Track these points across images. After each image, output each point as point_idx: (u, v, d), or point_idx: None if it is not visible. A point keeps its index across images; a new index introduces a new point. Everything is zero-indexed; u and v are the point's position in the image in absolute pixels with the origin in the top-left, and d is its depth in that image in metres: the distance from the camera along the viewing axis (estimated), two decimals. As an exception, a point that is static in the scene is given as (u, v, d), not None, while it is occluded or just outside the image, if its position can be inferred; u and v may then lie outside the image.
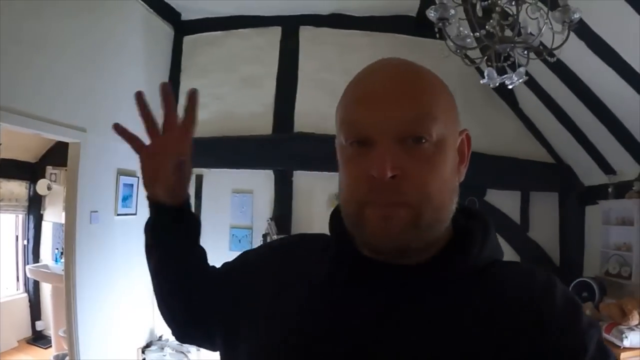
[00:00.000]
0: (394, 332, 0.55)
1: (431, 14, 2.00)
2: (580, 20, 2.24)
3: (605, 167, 3.92)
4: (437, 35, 2.24)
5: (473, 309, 0.54)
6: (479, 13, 2.03)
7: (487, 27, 2.03)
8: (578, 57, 2.89)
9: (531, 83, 3.69)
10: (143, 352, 4.04)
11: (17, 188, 4.93)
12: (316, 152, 4.01)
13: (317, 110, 3.99)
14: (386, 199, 0.54)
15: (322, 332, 0.58)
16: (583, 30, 2.73)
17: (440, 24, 2.15)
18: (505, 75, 2.29)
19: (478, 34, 2.07)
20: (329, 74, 4.05)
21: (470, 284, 0.57)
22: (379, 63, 0.60)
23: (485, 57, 2.21)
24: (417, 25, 4.08)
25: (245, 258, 0.80)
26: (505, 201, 4.08)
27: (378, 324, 0.55)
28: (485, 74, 2.32)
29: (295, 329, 0.60)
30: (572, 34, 2.09)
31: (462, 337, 0.52)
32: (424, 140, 0.54)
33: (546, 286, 0.57)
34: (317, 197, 4.05)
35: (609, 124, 3.46)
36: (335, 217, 0.67)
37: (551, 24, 2.01)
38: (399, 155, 0.53)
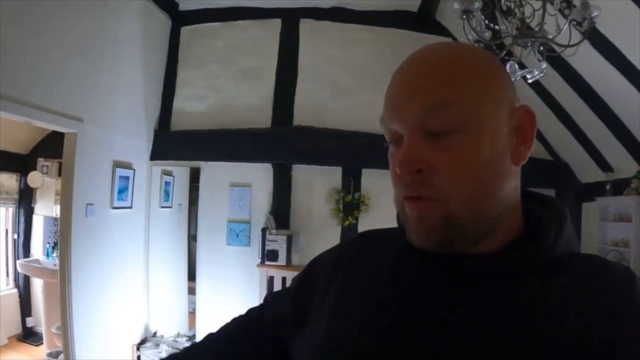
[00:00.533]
0: (460, 322, 0.53)
1: (456, 5, 1.98)
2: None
3: (603, 164, 3.95)
4: (446, 28, 2.22)
5: (542, 302, 0.52)
6: (504, 7, 2.02)
7: (509, 19, 2.03)
8: (580, 55, 2.89)
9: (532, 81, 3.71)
10: (138, 349, 3.98)
11: (8, 180, 4.83)
12: (315, 146, 4.01)
13: (317, 103, 3.97)
14: (412, 192, 0.54)
15: (390, 323, 0.56)
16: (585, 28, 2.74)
17: (465, 17, 2.13)
18: (526, 70, 2.29)
19: (498, 27, 2.07)
20: (328, 68, 4.03)
21: (542, 277, 0.54)
22: (407, 58, 0.59)
23: (505, 52, 2.21)
24: (418, 21, 4.09)
25: (311, 267, 0.78)
26: (503, 197, 4.08)
27: (445, 314, 0.54)
28: (507, 67, 2.31)
29: (362, 319, 0.59)
30: (576, 32, 2.10)
31: (526, 330, 0.50)
32: (444, 131, 0.53)
33: (625, 282, 0.53)
34: (316, 191, 4.02)
35: (609, 121, 3.48)
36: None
37: (568, 21, 2.02)
38: (423, 149, 0.53)
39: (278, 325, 0.74)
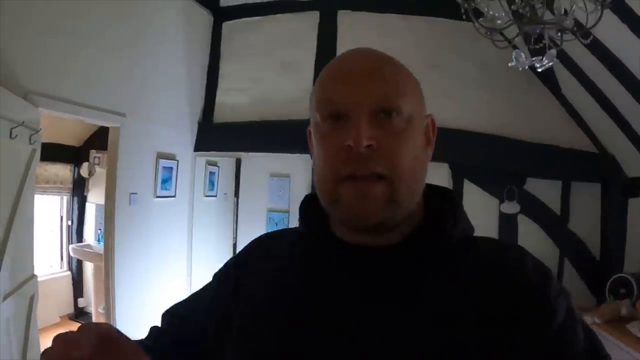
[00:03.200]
0: (373, 314, 0.56)
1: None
2: (623, 3, 2.13)
3: (651, 157, 3.78)
4: (464, 17, 2.20)
5: (449, 284, 0.56)
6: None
7: (512, 7, 1.98)
8: (622, 41, 2.77)
9: (574, 68, 3.59)
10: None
11: (62, 171, 5.13)
12: (353, 137, 4.01)
13: (355, 94, 3.98)
14: (362, 169, 0.56)
15: (302, 321, 0.59)
16: (626, 14, 2.61)
17: (466, 5, 2.11)
18: (535, 58, 2.20)
19: (504, 13, 2.02)
20: (367, 59, 4.02)
21: (445, 261, 0.59)
22: (350, 51, 0.64)
23: (515, 39, 2.16)
24: (456, 8, 4.00)
25: (211, 283, 0.80)
26: (545, 191, 3.97)
27: (357, 307, 0.57)
28: (513, 56, 2.26)
29: (274, 323, 0.61)
30: (615, 18, 1.99)
31: (441, 313, 0.54)
32: (394, 115, 0.57)
33: (516, 255, 0.60)
34: (353, 182, 4.01)
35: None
36: (306, 206, 0.71)
37: (585, 4, 1.94)
38: (373, 127, 0.56)
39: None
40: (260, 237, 0.80)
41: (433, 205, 0.65)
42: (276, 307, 0.63)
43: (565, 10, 1.92)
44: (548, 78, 4.00)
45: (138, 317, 3.56)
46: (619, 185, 4.20)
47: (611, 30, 2.11)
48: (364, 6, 4.08)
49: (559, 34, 2.03)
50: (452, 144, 3.25)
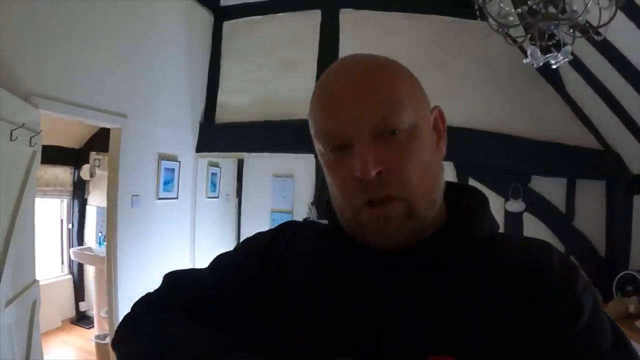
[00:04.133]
0: (406, 313, 0.56)
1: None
2: (631, 0, 2.13)
3: (656, 154, 3.76)
4: (478, 14, 2.18)
5: (476, 281, 0.57)
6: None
7: (529, 3, 1.96)
8: (628, 38, 2.76)
9: (578, 66, 3.57)
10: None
11: (62, 173, 5.09)
12: (356, 136, 4.00)
13: (358, 94, 3.95)
14: (378, 194, 0.55)
15: (337, 321, 0.58)
16: (634, 11, 2.61)
17: (481, 1, 2.09)
18: (550, 55, 2.20)
19: (520, 10, 2.00)
20: (369, 58, 4.00)
21: (472, 258, 0.59)
22: (337, 66, 0.61)
23: (529, 36, 2.14)
24: (460, 6, 3.99)
25: (236, 260, 0.76)
26: (550, 188, 3.96)
27: (390, 308, 0.57)
28: (529, 52, 2.24)
29: (308, 320, 0.60)
30: (622, 15, 1.99)
31: (468, 308, 0.54)
32: (397, 132, 0.56)
33: (542, 251, 0.59)
34: (357, 182, 3.99)
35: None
36: (331, 208, 0.67)
37: (598, 1, 1.92)
38: (378, 151, 0.55)
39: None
40: (288, 222, 0.79)
41: (458, 202, 0.65)
42: (312, 291, 0.62)
43: (576, 9, 1.91)
44: (552, 76, 3.98)
45: None
46: (624, 183, 4.18)
47: (617, 28, 2.10)
48: (366, 4, 4.05)
49: (571, 30, 2.01)
50: (457, 143, 3.17)
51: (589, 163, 4.01)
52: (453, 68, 3.67)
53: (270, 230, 0.77)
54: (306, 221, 0.79)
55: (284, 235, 0.74)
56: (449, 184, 0.66)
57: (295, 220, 0.80)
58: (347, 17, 4.09)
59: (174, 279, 0.79)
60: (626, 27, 2.72)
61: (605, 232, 4.10)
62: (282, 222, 0.78)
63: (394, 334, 0.55)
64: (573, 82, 3.92)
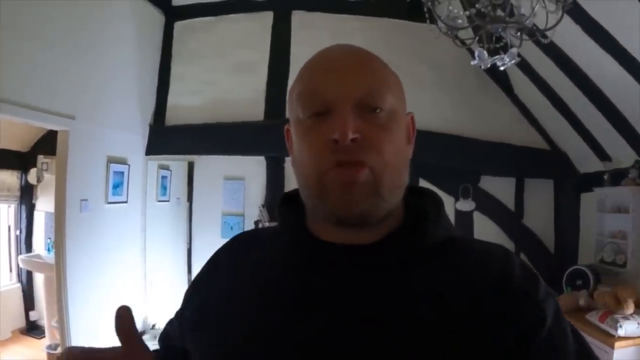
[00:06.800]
0: (354, 313, 0.55)
1: (423, -8, 1.96)
2: (577, 4, 2.19)
3: (601, 153, 3.88)
4: (427, 16, 2.20)
5: (431, 285, 0.55)
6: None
7: (477, 6, 1.99)
8: (574, 42, 2.85)
9: (527, 68, 3.66)
10: (136, 341, 4.01)
11: (9, 178, 4.89)
12: (308, 138, 3.99)
13: (310, 95, 3.94)
14: (349, 157, 0.54)
15: (281, 321, 0.57)
16: (579, 15, 2.69)
17: (430, 4, 2.11)
18: (497, 57, 2.25)
19: (468, 13, 2.03)
20: (321, 60, 3.99)
21: (427, 261, 0.58)
22: (334, 45, 0.63)
23: (477, 39, 2.17)
24: (410, 10, 4.04)
25: (190, 288, 0.77)
26: (499, 188, 4.05)
27: (338, 306, 0.56)
28: (476, 54, 2.27)
29: (253, 323, 0.59)
30: (568, 19, 2.05)
31: (422, 314, 0.53)
32: (379, 110, 0.57)
33: (503, 258, 0.58)
34: (309, 184, 3.99)
35: (605, 110, 3.42)
36: (284, 207, 0.68)
37: (545, 4, 1.96)
38: (359, 121, 0.55)
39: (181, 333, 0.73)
40: (236, 236, 0.78)
41: (414, 204, 0.64)
42: (247, 297, 0.62)
43: (523, 13, 1.94)
44: (501, 79, 4.07)
45: (94, 328, 3.39)
46: (571, 181, 4.32)
47: (564, 31, 2.17)
48: (318, 7, 4.06)
49: (519, 33, 2.06)
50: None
51: (537, 163, 4.13)
52: (403, 70, 3.64)
53: (216, 251, 0.77)
54: (257, 229, 0.81)
55: (231, 248, 0.74)
56: (408, 188, 0.66)
57: (245, 231, 0.81)
58: (299, 19, 4.09)
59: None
60: (572, 31, 2.79)
61: (554, 229, 4.23)
62: (232, 236, 0.78)
63: (342, 339, 0.53)
64: (521, 84, 4.01)
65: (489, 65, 2.32)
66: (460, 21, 2.11)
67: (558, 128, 4.14)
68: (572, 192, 4.31)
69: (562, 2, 1.93)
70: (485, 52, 2.22)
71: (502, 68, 2.32)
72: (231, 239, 0.77)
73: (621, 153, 3.64)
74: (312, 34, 4.02)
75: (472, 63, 2.35)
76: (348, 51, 0.61)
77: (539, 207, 4.17)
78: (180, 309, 0.75)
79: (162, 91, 4.28)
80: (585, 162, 4.12)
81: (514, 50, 2.18)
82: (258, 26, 4.13)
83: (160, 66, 4.31)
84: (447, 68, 3.80)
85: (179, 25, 4.32)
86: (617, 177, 3.66)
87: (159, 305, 4.28)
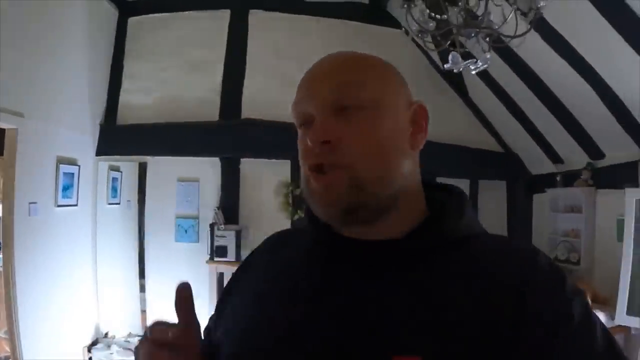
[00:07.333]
0: (373, 312, 0.55)
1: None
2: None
3: (554, 156, 4.01)
4: (393, 19, 2.20)
5: (452, 281, 0.55)
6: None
7: (456, 9, 2.02)
8: (531, 48, 2.92)
9: (482, 72, 3.71)
10: (89, 350, 3.88)
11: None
12: (264, 139, 3.95)
13: (266, 96, 3.90)
14: (320, 160, 0.57)
15: (303, 314, 0.58)
16: (538, 22, 2.75)
17: (406, 6, 2.12)
18: (470, 60, 2.31)
19: (440, 17, 2.06)
20: (278, 60, 3.96)
21: (449, 257, 0.58)
22: (322, 58, 0.64)
23: (449, 43, 2.21)
24: (369, 13, 4.06)
25: (224, 290, 0.79)
26: (454, 189, 4.12)
27: (358, 300, 0.56)
28: (450, 58, 2.32)
29: (275, 314, 0.61)
30: (523, 23, 2.11)
31: (443, 309, 0.53)
32: (352, 107, 0.58)
33: (529, 255, 0.58)
34: (265, 185, 3.99)
35: (558, 114, 3.53)
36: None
37: (516, 14, 2.02)
38: (333, 124, 0.57)
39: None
40: (269, 236, 0.80)
41: (437, 200, 0.64)
42: (274, 296, 0.63)
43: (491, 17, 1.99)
44: (456, 82, 4.14)
45: (46, 338, 3.31)
46: (523, 183, 4.46)
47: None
48: (276, 7, 4.03)
49: (487, 38, 2.11)
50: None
51: (490, 164, 4.22)
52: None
53: (251, 251, 0.79)
54: (292, 228, 0.79)
55: (263, 248, 0.76)
56: (431, 184, 0.67)
57: (281, 230, 0.82)
58: (257, 18, 4.04)
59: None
60: (530, 38, 2.85)
61: (507, 229, 4.36)
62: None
63: (359, 332, 0.54)
64: (476, 88, 4.09)
65: (462, 69, 2.37)
66: (431, 24, 2.14)
67: (511, 131, 4.25)
68: (524, 193, 4.44)
69: (535, 10, 1.99)
70: (459, 55, 2.27)
71: (474, 72, 2.39)
72: (265, 239, 0.79)
73: (573, 155, 3.77)
74: (270, 33, 4.00)
75: (445, 67, 2.40)
76: (330, 59, 0.63)
77: (493, 207, 4.28)
78: (215, 310, 0.77)
79: (113, 89, 4.14)
80: (538, 164, 4.26)
81: (487, 55, 2.24)
82: (214, 24, 4.05)
83: (113, 63, 4.16)
84: (402, 70, 3.82)
85: (132, 21, 4.19)
86: (569, 178, 3.79)
87: (110, 312, 4.16)
